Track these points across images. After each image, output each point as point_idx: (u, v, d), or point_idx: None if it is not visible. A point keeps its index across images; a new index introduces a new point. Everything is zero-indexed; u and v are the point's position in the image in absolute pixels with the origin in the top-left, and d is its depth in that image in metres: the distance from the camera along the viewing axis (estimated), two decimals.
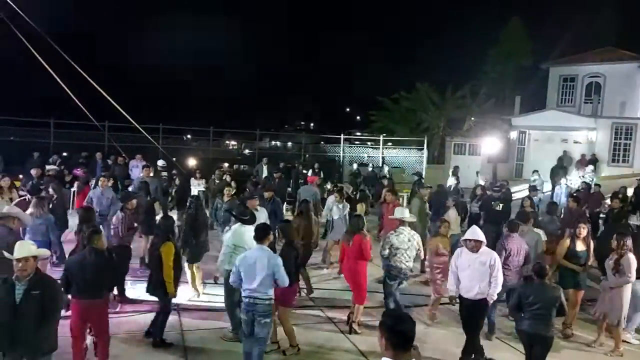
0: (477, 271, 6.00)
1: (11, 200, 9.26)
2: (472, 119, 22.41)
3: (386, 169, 19.84)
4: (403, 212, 7.45)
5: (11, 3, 12.24)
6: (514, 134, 23.36)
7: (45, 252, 4.94)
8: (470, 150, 22.82)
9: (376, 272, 8.59)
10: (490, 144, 20.58)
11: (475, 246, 6.04)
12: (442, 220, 8.18)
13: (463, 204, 11.95)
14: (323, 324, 7.35)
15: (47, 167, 14.49)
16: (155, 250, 6.30)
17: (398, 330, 2.87)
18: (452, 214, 9.66)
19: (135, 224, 8.13)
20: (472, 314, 6.14)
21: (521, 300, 5.53)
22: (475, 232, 6.10)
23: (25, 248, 4.46)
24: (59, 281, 4.96)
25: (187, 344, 6.49)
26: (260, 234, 5.55)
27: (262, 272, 5.33)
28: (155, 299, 6.53)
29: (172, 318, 6.74)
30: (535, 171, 15.90)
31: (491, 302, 6.14)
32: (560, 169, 18.39)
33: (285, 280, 5.47)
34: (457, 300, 6.29)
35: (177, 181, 13.11)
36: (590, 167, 18.31)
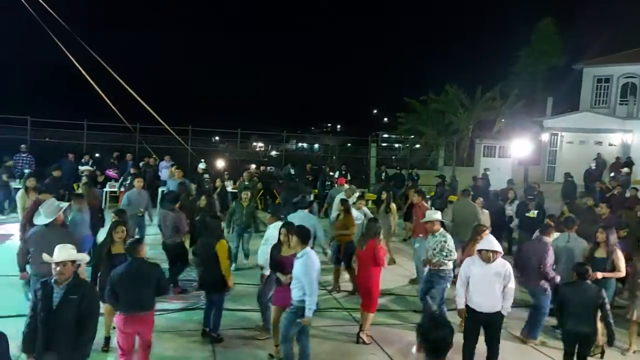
0: (492, 283, 5.59)
1: None
2: (502, 120, 22.00)
3: (412, 170, 19.70)
4: (435, 214, 7.39)
5: (45, 5, 12.53)
6: (545, 136, 22.85)
7: (84, 257, 4.81)
8: (500, 153, 22.42)
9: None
10: (520, 146, 20.17)
11: (492, 257, 5.61)
12: (481, 226, 7.64)
13: (498, 207, 11.78)
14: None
15: (80, 168, 14.86)
16: (211, 249, 6.33)
17: (433, 337, 2.77)
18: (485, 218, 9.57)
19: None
20: (487, 329, 5.73)
21: (563, 300, 5.69)
22: (492, 242, 5.68)
23: (64, 252, 4.39)
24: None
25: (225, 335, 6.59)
26: (306, 237, 5.73)
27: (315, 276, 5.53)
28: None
29: (200, 315, 6.86)
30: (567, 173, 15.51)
31: (506, 314, 5.77)
32: (594, 172, 17.91)
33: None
34: (466, 315, 5.78)
35: (216, 182, 13.11)
36: (626, 169, 17.77)
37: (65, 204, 6.71)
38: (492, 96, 21.12)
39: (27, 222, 7.41)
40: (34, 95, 28.82)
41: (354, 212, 9.30)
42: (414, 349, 2.81)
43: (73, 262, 4.39)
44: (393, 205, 10.68)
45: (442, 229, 7.28)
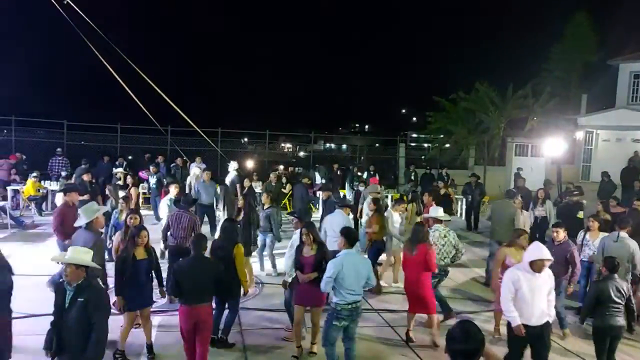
0: (541, 293, 5.30)
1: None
2: (535, 119, 21.53)
3: (442, 170, 19.49)
4: (437, 211, 7.63)
5: (78, 10, 12.80)
6: (580, 134, 22.25)
7: (95, 265, 4.65)
8: (533, 152, 21.95)
9: None
10: (554, 145, 19.71)
11: (543, 266, 5.27)
12: (520, 230, 7.30)
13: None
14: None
15: (114, 170, 15.23)
16: (229, 252, 6.32)
17: (462, 348, 2.73)
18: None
19: None
20: (540, 340, 5.38)
21: (599, 296, 5.70)
22: (543, 251, 5.27)
23: (75, 255, 4.41)
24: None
25: (246, 343, 6.59)
26: (354, 238, 5.78)
27: (363, 277, 5.54)
28: None
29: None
30: (604, 172, 15.04)
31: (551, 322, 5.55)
32: (631, 171, 17.34)
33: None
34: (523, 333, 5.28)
35: (245, 183, 13.23)
36: None
37: (105, 208, 6.89)
38: (523, 94, 20.68)
39: (59, 224, 7.64)
40: (70, 99, 29.66)
41: (395, 216, 9.29)
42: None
43: (81, 266, 4.35)
44: (412, 205, 10.51)
45: (440, 225, 7.45)
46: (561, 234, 7.17)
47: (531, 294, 5.24)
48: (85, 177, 12.19)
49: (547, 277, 5.34)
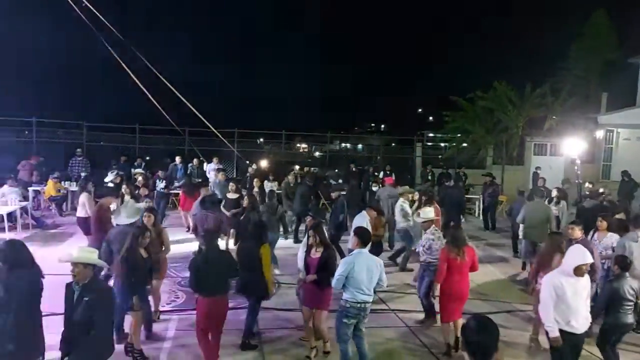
0: (583, 298, 5.14)
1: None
2: (554, 117, 21.23)
3: (460, 170, 19.33)
4: (427, 214, 7.56)
5: (96, 12, 12.95)
6: (600, 133, 21.91)
7: (102, 263, 4.86)
8: (552, 151, 21.69)
9: None
10: (573, 144, 19.43)
11: (586, 270, 5.11)
12: (559, 235, 7.06)
13: None
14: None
15: (133, 170, 15.43)
16: (255, 253, 6.34)
17: (476, 340, 2.76)
18: None
19: None
20: (577, 347, 5.24)
21: (613, 295, 5.74)
22: (586, 254, 5.05)
23: (82, 255, 4.48)
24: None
25: (263, 343, 6.61)
26: (367, 238, 5.83)
27: (375, 277, 5.56)
28: None
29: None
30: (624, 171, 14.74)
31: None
32: None
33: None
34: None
35: (255, 182, 13.31)
36: None
37: (143, 205, 7.09)
38: (542, 93, 20.40)
39: (97, 226, 7.83)
40: (89, 100, 30.09)
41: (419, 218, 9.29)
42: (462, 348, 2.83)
43: (89, 265, 4.43)
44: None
45: (432, 227, 7.43)
46: (577, 232, 7.08)
47: (575, 299, 5.04)
48: (118, 181, 12.45)
49: (586, 281, 5.19)
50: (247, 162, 17.70)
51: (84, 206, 9.73)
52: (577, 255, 5.07)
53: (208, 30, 52.06)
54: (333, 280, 5.58)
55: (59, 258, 4.61)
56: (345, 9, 65.26)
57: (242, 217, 9.19)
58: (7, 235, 11.20)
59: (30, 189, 14.49)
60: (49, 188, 14.21)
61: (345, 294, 5.54)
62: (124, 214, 6.69)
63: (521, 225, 9.97)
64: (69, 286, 4.50)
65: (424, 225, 7.62)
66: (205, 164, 16.95)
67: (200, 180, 15.17)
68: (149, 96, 14.06)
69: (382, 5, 65.95)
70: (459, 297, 6.49)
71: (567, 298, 5.00)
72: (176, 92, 11.75)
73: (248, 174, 15.38)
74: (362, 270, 5.46)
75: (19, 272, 4.62)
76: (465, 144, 22.28)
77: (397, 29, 62.79)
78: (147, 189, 11.51)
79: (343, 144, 35.40)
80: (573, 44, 28.55)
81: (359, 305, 5.48)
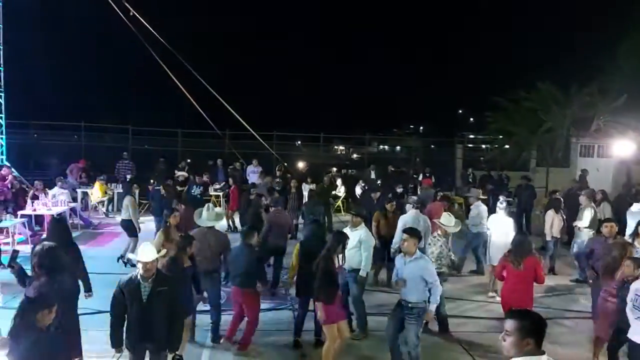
0: None
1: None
2: (602, 118, 20.46)
3: (502, 172, 18.87)
4: (450, 220, 7.22)
5: (140, 18, 13.32)
6: None
7: (162, 253, 5.28)
8: (600, 152, 20.85)
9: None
10: (623, 145, 18.68)
11: None
12: (629, 244, 6.54)
13: None
14: None
15: (177, 172, 15.80)
16: (317, 252, 6.39)
17: (543, 328, 2.77)
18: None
19: None
20: None
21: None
22: None
23: (150, 252, 4.71)
24: None
25: (304, 342, 6.63)
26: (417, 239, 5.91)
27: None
28: None
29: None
30: None
31: None
32: None
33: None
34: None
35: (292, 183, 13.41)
36: None
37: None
38: (589, 92, 19.70)
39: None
40: (134, 105, 31.05)
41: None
42: (501, 337, 2.78)
43: (156, 260, 4.80)
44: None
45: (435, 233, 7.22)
46: (613, 229, 6.96)
47: None
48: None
49: None
50: (285, 164, 17.84)
51: (127, 209, 10.01)
52: None
53: (249, 34, 52.78)
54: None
55: (130, 258, 4.83)
56: (381, 8, 64.86)
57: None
58: None
59: (78, 190, 15.05)
60: (97, 190, 14.71)
61: (422, 295, 5.61)
62: (205, 217, 6.94)
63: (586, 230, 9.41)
64: (131, 281, 4.66)
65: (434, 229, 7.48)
66: (245, 166, 17.19)
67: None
68: (192, 101, 14.45)
69: (419, 3, 65.16)
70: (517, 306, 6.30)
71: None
72: (219, 97, 11.98)
73: (278, 173, 15.59)
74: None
75: (57, 276, 4.83)
76: (507, 146, 21.76)
77: (437, 27, 61.90)
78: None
79: (381, 146, 35.21)
80: (623, 41, 27.45)
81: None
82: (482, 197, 11.45)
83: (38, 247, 5.17)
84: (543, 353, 2.72)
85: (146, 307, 4.57)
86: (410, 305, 5.60)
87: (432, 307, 5.73)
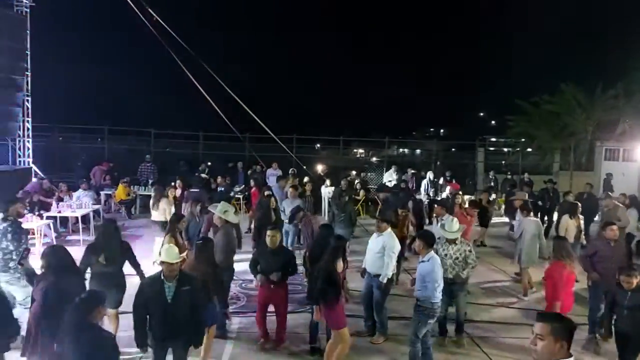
0: None
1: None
2: (627, 121, 20.06)
3: (524, 176, 18.62)
4: (452, 226, 6.91)
5: (163, 23, 13.51)
6: None
7: (184, 255, 5.41)
8: (625, 156, 20.42)
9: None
10: None
11: None
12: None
13: None
14: None
15: (197, 175, 15.96)
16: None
17: (573, 330, 2.75)
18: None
19: None
20: None
21: None
22: None
23: (174, 253, 4.82)
24: None
25: (323, 346, 6.62)
26: (432, 240, 6.02)
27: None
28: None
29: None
30: None
31: None
32: None
33: None
34: None
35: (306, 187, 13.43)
36: None
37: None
38: (614, 94, 19.34)
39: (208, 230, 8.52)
40: (156, 109, 31.48)
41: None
42: (531, 341, 2.74)
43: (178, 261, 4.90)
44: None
45: (462, 238, 6.94)
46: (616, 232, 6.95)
47: None
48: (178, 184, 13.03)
49: None
50: (295, 170, 17.86)
51: (164, 212, 10.26)
52: None
53: (269, 39, 53.17)
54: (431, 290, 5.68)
55: (155, 260, 4.95)
56: (401, 10, 64.65)
57: None
58: (81, 236, 11.89)
59: (102, 192, 15.29)
60: (120, 192, 14.93)
61: (430, 295, 5.67)
62: (231, 216, 7.29)
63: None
64: (154, 282, 4.77)
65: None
66: (264, 169, 17.28)
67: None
68: (214, 105, 14.60)
69: (438, 6, 64.72)
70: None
71: None
72: (240, 101, 12.09)
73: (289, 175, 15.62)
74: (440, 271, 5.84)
75: (65, 276, 4.91)
76: (529, 149, 21.48)
77: (456, 30, 61.45)
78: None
79: (401, 149, 35.00)
80: None
81: (439, 303, 5.78)
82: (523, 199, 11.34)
83: (46, 248, 5.31)
84: (571, 356, 2.68)
85: (171, 306, 4.66)
86: (418, 302, 5.81)
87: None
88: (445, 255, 6.61)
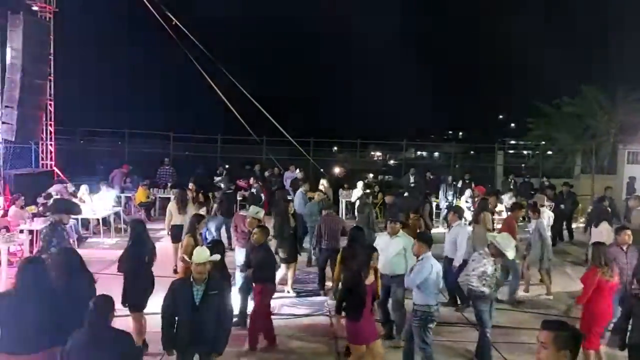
0: None
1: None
2: None
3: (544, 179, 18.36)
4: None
5: (181, 26, 13.65)
6: None
7: (216, 257, 5.15)
8: None
9: None
10: None
11: None
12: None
13: None
14: None
15: (216, 178, 16.09)
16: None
17: (579, 339, 2.74)
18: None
19: None
20: None
21: None
22: None
23: (203, 254, 4.76)
24: None
25: (340, 349, 6.63)
26: (429, 241, 5.98)
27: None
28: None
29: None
30: None
31: None
32: None
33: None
34: None
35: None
36: None
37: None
38: (638, 96, 18.94)
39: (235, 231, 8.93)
40: (174, 112, 31.86)
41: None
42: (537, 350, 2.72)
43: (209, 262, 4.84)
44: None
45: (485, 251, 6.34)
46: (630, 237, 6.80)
47: None
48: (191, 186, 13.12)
49: None
50: (321, 170, 17.89)
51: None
52: None
53: (285, 42, 53.34)
54: (412, 280, 5.65)
55: (184, 261, 5.06)
56: (417, 11, 64.31)
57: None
58: (102, 238, 12.06)
59: (122, 195, 15.50)
60: (139, 195, 15.10)
61: (428, 299, 5.62)
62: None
63: None
64: (184, 285, 4.74)
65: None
66: (282, 172, 17.37)
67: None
68: (232, 108, 14.71)
69: (458, 7, 64.17)
70: (605, 322, 6.16)
71: None
72: (258, 104, 12.16)
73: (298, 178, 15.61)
74: (435, 273, 5.74)
75: (72, 278, 4.91)
76: (550, 152, 21.16)
77: (475, 31, 60.87)
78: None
79: (419, 152, 34.81)
80: None
81: (437, 307, 5.74)
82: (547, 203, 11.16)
83: (54, 251, 5.40)
84: None
85: (198, 310, 4.59)
86: (414, 307, 5.73)
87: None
88: (495, 270, 6.11)
